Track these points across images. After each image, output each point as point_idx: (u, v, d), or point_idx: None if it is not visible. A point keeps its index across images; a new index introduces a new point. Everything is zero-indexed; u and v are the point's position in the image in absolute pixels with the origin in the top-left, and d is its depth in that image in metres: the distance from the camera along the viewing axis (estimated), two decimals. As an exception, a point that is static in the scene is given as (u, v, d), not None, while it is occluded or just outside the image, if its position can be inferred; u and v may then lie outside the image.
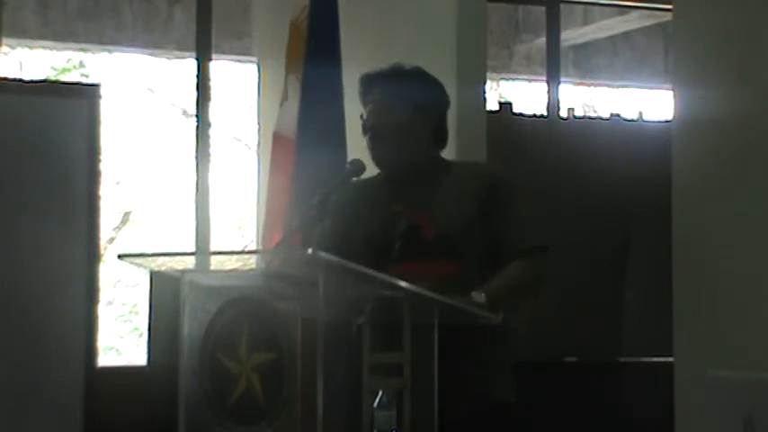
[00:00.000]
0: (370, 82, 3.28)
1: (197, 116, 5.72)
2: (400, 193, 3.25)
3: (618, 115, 5.63)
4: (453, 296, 2.91)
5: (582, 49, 8.60)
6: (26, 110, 4.78)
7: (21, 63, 10.57)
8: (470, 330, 3.02)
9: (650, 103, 9.65)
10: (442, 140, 3.31)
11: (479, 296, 3.03)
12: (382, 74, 3.28)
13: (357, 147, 3.34)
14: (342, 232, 3.23)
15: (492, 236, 3.19)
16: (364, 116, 3.25)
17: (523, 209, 3.25)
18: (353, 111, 3.34)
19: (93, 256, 4.83)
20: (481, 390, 3.15)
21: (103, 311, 7.91)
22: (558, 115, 5.99)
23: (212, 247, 5.68)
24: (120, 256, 2.87)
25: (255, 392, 2.66)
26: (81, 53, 10.27)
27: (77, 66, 11.12)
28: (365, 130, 3.25)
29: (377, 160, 3.24)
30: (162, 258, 2.88)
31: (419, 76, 3.28)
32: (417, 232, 3.18)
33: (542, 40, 6.86)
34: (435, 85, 3.30)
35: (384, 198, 3.26)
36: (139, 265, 3.11)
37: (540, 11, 7.16)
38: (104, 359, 9.76)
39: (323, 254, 2.55)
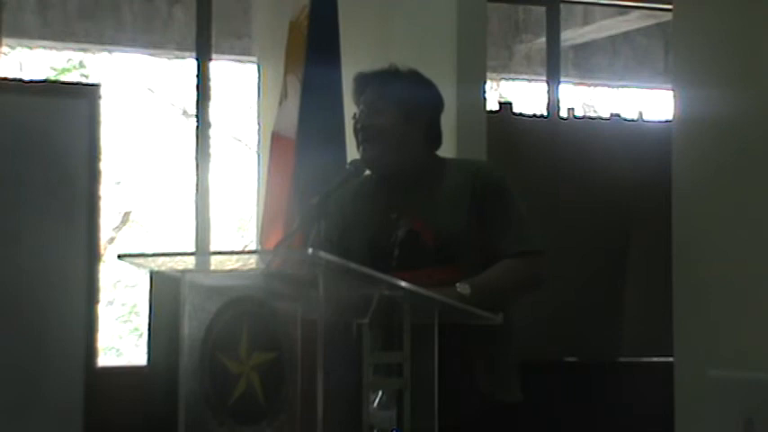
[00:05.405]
0: (364, 82, 3.27)
1: (197, 116, 5.72)
2: (394, 196, 3.23)
3: (618, 115, 5.63)
4: (440, 290, 2.90)
5: (582, 49, 8.60)
6: (26, 110, 4.77)
7: (21, 63, 10.57)
8: (471, 330, 3.02)
9: (650, 103, 9.66)
10: (435, 142, 3.28)
11: (464, 288, 3.02)
12: (377, 74, 3.26)
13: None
14: (338, 237, 3.22)
15: (487, 236, 3.17)
16: (357, 116, 3.25)
17: (520, 208, 3.22)
18: (353, 111, 3.34)
19: (93, 256, 4.82)
20: (481, 390, 3.15)
21: (103, 311, 7.92)
22: (558, 115, 5.98)
23: (212, 247, 5.68)
24: (120, 256, 2.87)
25: (255, 392, 2.65)
26: (81, 53, 10.27)
27: (77, 66, 11.12)
28: (357, 129, 3.23)
29: (368, 161, 3.21)
30: (162, 258, 2.88)
31: (413, 78, 3.27)
32: (416, 239, 3.17)
33: (542, 40, 6.86)
34: (429, 87, 3.29)
35: (379, 201, 3.24)
36: (139, 266, 3.11)
37: (540, 11, 7.16)
38: (104, 359, 9.76)
39: (323, 254, 2.55)
